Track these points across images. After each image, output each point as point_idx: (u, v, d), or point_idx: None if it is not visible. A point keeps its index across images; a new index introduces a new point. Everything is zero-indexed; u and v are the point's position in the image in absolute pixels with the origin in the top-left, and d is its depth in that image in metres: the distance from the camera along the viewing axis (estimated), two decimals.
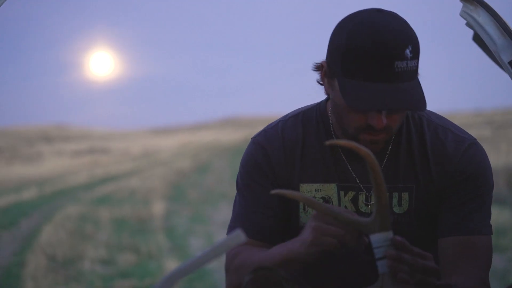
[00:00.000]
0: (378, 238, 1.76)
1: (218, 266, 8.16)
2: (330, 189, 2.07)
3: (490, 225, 2.06)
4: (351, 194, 2.07)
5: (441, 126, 2.09)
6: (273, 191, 1.84)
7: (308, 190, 2.08)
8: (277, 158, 2.09)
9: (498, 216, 9.25)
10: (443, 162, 2.05)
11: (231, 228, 2.11)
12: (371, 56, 1.87)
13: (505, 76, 2.29)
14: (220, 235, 10.72)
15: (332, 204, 2.07)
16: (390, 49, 1.86)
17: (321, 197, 2.07)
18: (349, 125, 1.96)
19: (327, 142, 1.85)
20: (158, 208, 13.93)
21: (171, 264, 8.61)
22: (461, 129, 2.11)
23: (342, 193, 2.07)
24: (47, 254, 9.33)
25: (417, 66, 1.91)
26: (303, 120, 2.11)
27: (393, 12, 1.94)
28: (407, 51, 1.88)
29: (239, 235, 1.61)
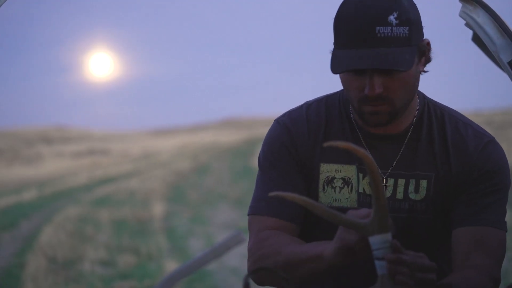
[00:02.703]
0: (377, 240, 1.75)
1: (218, 267, 8.17)
2: (351, 171, 2.09)
3: (505, 222, 2.07)
4: (368, 177, 2.07)
5: (461, 121, 2.12)
6: (271, 194, 1.84)
7: (328, 170, 2.09)
8: (301, 139, 2.11)
9: None
10: (462, 156, 2.07)
11: (256, 208, 2.10)
12: (353, 23, 1.92)
13: (505, 76, 2.29)
14: (220, 236, 10.72)
15: (352, 185, 2.08)
16: (371, 15, 1.91)
17: (341, 178, 2.09)
18: (353, 98, 2.00)
19: (325, 144, 1.84)
20: (158, 209, 13.95)
21: (171, 265, 8.62)
22: (481, 127, 2.14)
23: (361, 175, 2.08)
24: (47, 255, 9.34)
25: (409, 34, 1.93)
26: (327, 104, 2.15)
27: None
28: (391, 17, 1.91)
29: (239, 237, 1.61)
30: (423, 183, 2.08)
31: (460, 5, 2.29)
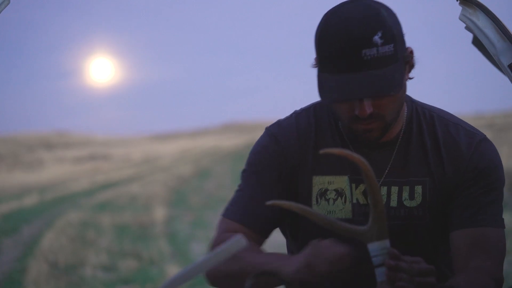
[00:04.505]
0: (375, 247, 1.75)
1: None
2: (343, 182, 2.07)
3: (503, 219, 2.06)
4: (362, 187, 2.06)
5: (452, 122, 2.10)
6: (269, 202, 1.83)
7: (321, 182, 2.08)
8: (291, 149, 2.09)
9: None
10: (456, 158, 2.06)
11: (227, 210, 2.09)
12: (338, 47, 1.87)
13: (505, 79, 2.29)
14: None
15: (345, 196, 2.07)
16: (356, 38, 1.85)
17: (334, 189, 2.07)
18: (341, 117, 1.98)
19: (321, 151, 1.83)
20: (159, 213, 13.94)
21: (173, 270, 8.61)
22: (471, 125, 2.12)
23: (353, 185, 2.07)
24: (49, 261, 9.33)
25: (394, 51, 1.88)
26: (315, 113, 2.12)
27: (368, 0, 1.92)
28: (376, 38, 1.86)
29: (240, 241, 1.61)
30: (418, 188, 2.06)
31: (460, 8, 2.29)
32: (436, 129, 2.08)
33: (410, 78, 1.99)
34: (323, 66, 1.91)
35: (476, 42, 2.68)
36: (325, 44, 1.90)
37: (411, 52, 1.96)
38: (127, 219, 13.31)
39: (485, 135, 2.09)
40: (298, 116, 2.13)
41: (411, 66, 1.98)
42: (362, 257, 1.82)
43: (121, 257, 9.71)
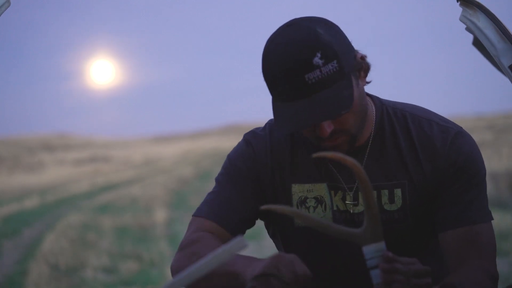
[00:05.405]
0: (370, 249, 1.75)
1: None
2: (322, 189, 2.06)
3: (489, 211, 2.03)
4: (340, 193, 2.05)
5: (425, 118, 2.06)
6: (263, 207, 1.80)
7: (300, 190, 2.07)
8: (264, 160, 2.08)
9: (500, 220, 9.23)
10: (433, 156, 2.03)
11: (200, 210, 2.09)
12: (281, 76, 1.84)
13: (506, 80, 2.29)
14: None
15: (325, 203, 2.06)
16: (296, 64, 1.82)
17: (314, 197, 2.06)
18: (308, 137, 1.97)
19: (314, 155, 1.81)
20: (160, 215, 13.93)
21: None
22: (445, 118, 2.08)
23: (332, 192, 2.06)
24: (50, 263, 9.33)
25: (339, 66, 1.83)
26: None
27: (304, 21, 1.89)
28: (316, 59, 1.82)
29: (241, 242, 1.60)
30: (397, 192, 2.04)
31: (460, 9, 2.29)
32: (410, 128, 2.05)
33: (368, 83, 1.96)
34: (274, 96, 1.90)
35: (477, 43, 2.68)
36: (269, 74, 1.88)
37: (362, 58, 1.93)
38: (127, 221, 13.30)
39: (461, 128, 2.06)
40: (272, 126, 2.12)
41: (366, 70, 1.94)
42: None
43: (122, 259, 9.70)
